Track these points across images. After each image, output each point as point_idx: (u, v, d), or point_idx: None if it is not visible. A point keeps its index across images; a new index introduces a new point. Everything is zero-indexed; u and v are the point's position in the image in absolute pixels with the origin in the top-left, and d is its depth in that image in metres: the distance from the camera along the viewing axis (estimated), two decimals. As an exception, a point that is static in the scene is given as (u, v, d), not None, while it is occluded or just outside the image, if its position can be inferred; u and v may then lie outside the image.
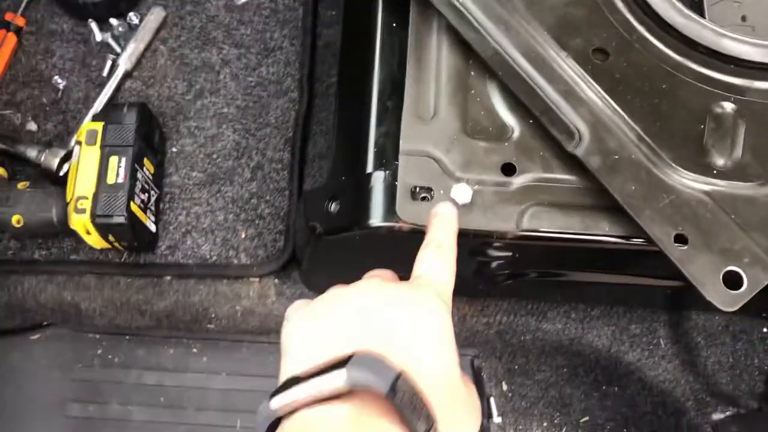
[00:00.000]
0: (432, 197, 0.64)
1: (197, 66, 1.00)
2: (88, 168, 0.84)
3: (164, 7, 1.02)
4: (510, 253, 0.70)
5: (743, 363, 0.90)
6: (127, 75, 0.98)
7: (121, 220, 0.81)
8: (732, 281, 0.59)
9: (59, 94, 0.98)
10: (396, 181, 0.65)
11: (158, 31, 1.01)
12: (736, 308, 0.59)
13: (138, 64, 0.99)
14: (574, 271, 0.79)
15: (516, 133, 0.67)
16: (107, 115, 0.87)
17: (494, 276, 0.80)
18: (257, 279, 0.92)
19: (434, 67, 0.69)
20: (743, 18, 0.75)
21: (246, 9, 1.03)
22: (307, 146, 0.98)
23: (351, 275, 0.84)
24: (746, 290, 0.59)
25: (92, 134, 0.85)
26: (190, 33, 1.02)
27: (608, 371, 0.94)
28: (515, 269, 0.77)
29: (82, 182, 0.83)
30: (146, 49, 1.00)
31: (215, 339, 0.96)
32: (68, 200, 0.83)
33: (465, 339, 0.94)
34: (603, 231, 0.64)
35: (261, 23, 1.03)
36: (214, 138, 0.97)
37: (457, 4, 0.67)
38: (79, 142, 0.86)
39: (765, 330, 0.94)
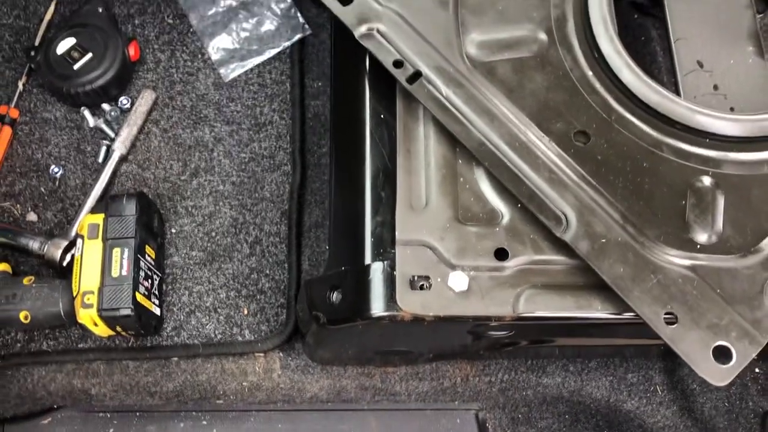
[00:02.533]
0: (430, 285, 0.67)
1: (191, 145, 1.02)
2: (92, 261, 0.86)
3: (154, 88, 1.05)
4: (508, 332, 0.73)
5: (738, 406, 0.93)
6: (123, 159, 1.00)
7: (127, 312, 0.83)
8: (722, 356, 0.62)
9: (57, 182, 1.00)
10: (394, 271, 0.67)
11: (150, 112, 1.03)
12: (727, 382, 0.62)
13: (132, 147, 1.01)
14: (570, 339, 0.82)
15: (506, 218, 0.70)
16: (107, 207, 0.89)
17: (494, 345, 0.82)
18: (262, 354, 0.94)
19: (423, 157, 0.72)
20: (715, 87, 0.78)
21: (234, 86, 1.06)
22: (303, 217, 1.00)
23: (354, 352, 0.88)
24: (736, 364, 0.62)
25: (94, 228, 0.87)
26: (181, 113, 1.04)
27: (608, 418, 0.98)
28: (514, 340, 0.80)
29: (87, 276, 0.85)
30: (139, 131, 1.02)
31: (224, 410, 0.99)
32: (74, 294, 0.85)
33: (469, 396, 0.97)
34: (596, 310, 0.67)
35: (250, 99, 1.05)
36: (211, 216, 0.99)
37: (442, 99, 0.70)
38: (81, 236, 0.88)
39: (757, 371, 0.97)
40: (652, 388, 0.95)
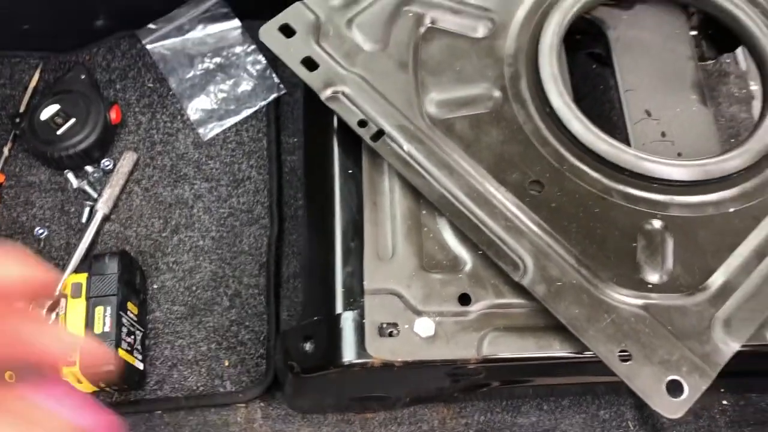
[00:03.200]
0: (398, 332, 0.70)
1: (171, 203, 1.06)
2: (75, 320, 0.89)
3: (135, 149, 1.09)
4: (477, 374, 0.76)
5: (707, 440, 0.96)
6: (105, 219, 1.04)
7: (110, 368, 0.86)
8: (674, 390, 0.66)
9: (41, 243, 1.03)
10: (364, 319, 0.71)
11: (131, 173, 1.08)
12: (680, 414, 0.65)
13: (115, 206, 1.05)
14: (539, 379, 0.85)
15: (469, 265, 0.73)
16: (90, 266, 0.92)
17: (468, 388, 0.85)
18: (244, 404, 0.96)
19: (389, 209, 0.76)
20: (663, 134, 0.83)
21: (213, 144, 1.10)
22: (281, 269, 1.04)
23: (332, 399, 0.90)
24: (688, 397, 0.65)
25: (77, 287, 0.90)
26: (162, 172, 1.08)
27: (585, 455, 1.00)
28: (486, 382, 0.83)
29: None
30: (121, 192, 1.06)
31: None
32: (58, 352, 0.87)
33: (446, 439, 0.99)
34: (555, 350, 0.70)
35: (228, 156, 1.10)
36: (192, 271, 1.02)
37: (404, 155, 0.75)
38: (65, 295, 0.91)
39: (725, 403, 1.00)
40: (624, 423, 0.98)
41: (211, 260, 1.03)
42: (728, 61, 1.25)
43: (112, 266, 0.92)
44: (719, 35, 0.96)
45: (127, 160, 1.07)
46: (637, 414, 0.98)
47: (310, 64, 0.78)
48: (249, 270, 1.03)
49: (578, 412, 0.99)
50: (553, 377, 0.84)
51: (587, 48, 1.01)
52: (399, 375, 0.75)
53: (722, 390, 0.99)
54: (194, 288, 1.02)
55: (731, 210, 0.75)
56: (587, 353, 0.69)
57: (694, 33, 0.99)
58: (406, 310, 0.71)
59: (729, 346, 0.68)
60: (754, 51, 0.86)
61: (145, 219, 1.05)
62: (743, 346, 0.69)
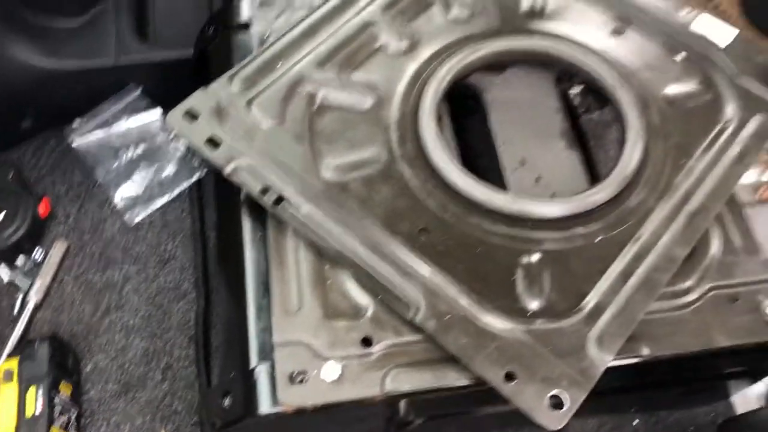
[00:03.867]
0: (307, 379, 0.76)
1: (101, 287, 1.11)
2: (7, 405, 0.92)
3: (66, 239, 1.15)
4: (388, 413, 0.82)
5: (621, 459, 1.02)
6: (38, 307, 1.09)
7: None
8: (556, 404, 0.72)
9: (-25, 336, 1.07)
10: (275, 371, 0.76)
11: (62, 262, 1.13)
12: (563, 425, 0.71)
13: (47, 295, 1.10)
14: (452, 410, 0.91)
15: (370, 310, 0.80)
16: (21, 351, 0.96)
17: (389, 428, 0.90)
18: (181, 472, 1.00)
19: (294, 266, 0.83)
20: (537, 179, 0.93)
21: (140, 228, 1.17)
22: (210, 339, 1.09)
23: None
24: (568, 408, 0.72)
25: (8, 373, 0.94)
26: (91, 259, 1.14)
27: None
28: (405, 420, 0.88)
29: (3, 419, 0.91)
30: (53, 280, 1.11)
31: None
32: (-9, 438, 0.91)
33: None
34: (451, 379, 0.77)
35: (155, 238, 1.16)
36: (124, 349, 1.07)
37: (301, 217, 0.82)
38: (-4, 382, 0.94)
39: (636, 422, 1.06)
40: (546, 453, 1.03)
41: (142, 337, 1.08)
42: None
43: (43, 350, 0.96)
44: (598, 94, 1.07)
45: (58, 250, 1.13)
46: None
47: (213, 143, 0.86)
48: (179, 343, 1.08)
49: (502, 447, 1.04)
50: (459, 407, 0.90)
51: (477, 112, 1.12)
52: (314, 421, 0.80)
53: (633, 410, 1.06)
54: (127, 365, 1.06)
55: (599, 239, 0.84)
56: (480, 382, 0.76)
57: (578, 89, 1.12)
58: (313, 358, 0.77)
59: (603, 360, 0.75)
60: (615, 109, 0.96)
61: (77, 305, 1.10)
62: (620, 358, 0.77)
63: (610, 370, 0.77)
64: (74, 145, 1.22)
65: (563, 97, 1.05)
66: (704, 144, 0.91)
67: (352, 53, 0.96)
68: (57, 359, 0.96)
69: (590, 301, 0.79)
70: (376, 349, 0.78)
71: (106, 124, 1.24)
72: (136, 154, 1.23)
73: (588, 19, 1.01)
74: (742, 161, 0.90)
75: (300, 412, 0.75)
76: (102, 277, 1.11)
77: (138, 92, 1.25)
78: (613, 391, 0.95)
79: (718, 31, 0.99)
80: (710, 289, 0.83)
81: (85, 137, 1.23)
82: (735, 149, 0.91)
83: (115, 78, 1.23)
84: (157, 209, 1.18)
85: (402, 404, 0.83)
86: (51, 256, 1.11)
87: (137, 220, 1.17)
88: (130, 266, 1.12)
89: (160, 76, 1.25)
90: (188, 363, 1.05)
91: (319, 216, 0.83)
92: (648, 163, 0.89)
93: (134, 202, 1.19)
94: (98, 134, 1.23)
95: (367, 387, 0.76)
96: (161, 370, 1.05)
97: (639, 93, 0.94)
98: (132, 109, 1.25)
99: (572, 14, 1.02)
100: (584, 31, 1.00)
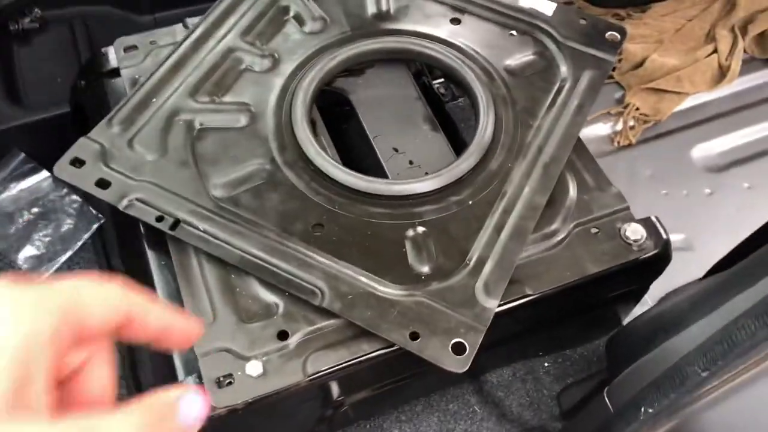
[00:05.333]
0: (234, 380, 0.82)
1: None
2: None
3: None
4: (320, 397, 0.88)
5: (537, 397, 1.13)
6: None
7: None
8: (459, 350, 0.81)
9: None
10: (202, 379, 0.82)
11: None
12: (467, 367, 0.80)
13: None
14: (383, 386, 0.98)
15: (281, 307, 0.87)
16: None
17: (323, 417, 0.97)
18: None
19: (201, 282, 0.88)
20: (410, 162, 1.03)
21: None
22: (140, 377, 1.12)
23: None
24: (470, 351, 0.81)
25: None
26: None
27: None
28: (334, 403, 0.95)
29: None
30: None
31: None
32: None
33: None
34: (366, 351, 0.84)
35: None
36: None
37: (200, 233, 0.88)
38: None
39: (546, 364, 1.17)
40: (471, 409, 1.13)
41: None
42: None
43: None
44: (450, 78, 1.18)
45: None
46: (480, 398, 1.14)
47: (103, 184, 0.91)
48: (109, 385, 1.10)
49: (431, 413, 1.12)
50: (386, 380, 0.98)
51: (351, 116, 1.21)
52: (253, 420, 0.86)
53: (540, 354, 1.17)
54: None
55: (470, 203, 0.94)
56: (392, 347, 0.84)
57: (440, 81, 1.22)
58: (236, 360, 0.83)
59: (491, 303, 0.85)
60: (464, 89, 1.07)
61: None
62: (508, 302, 0.87)
63: (504, 315, 0.87)
64: (-34, 218, 1.23)
65: (428, 89, 1.15)
66: (547, 103, 1.03)
67: (220, 78, 1.03)
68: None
69: (472, 256, 0.89)
70: (293, 340, 0.84)
71: (-5, 192, 1.26)
72: (32, 215, 1.24)
73: (428, 13, 1.12)
74: (581, 111, 1.03)
75: (232, 412, 0.81)
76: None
77: (21, 156, 1.27)
78: (515, 338, 1.05)
79: (542, 4, 1.12)
80: (575, 227, 0.95)
81: (-24, 208, 1.24)
82: (573, 102, 1.03)
83: (-4, 145, 1.25)
84: (63, 264, 1.20)
85: (331, 386, 0.89)
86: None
87: (44, 277, 1.19)
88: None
89: (40, 136, 1.28)
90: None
91: (216, 231, 0.89)
92: (501, 130, 1.00)
93: (39, 262, 1.20)
94: (-11, 203, 1.25)
95: (291, 375, 0.82)
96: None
97: (483, 70, 1.05)
98: (19, 174, 1.27)
99: (414, 11, 1.12)
100: (427, 24, 1.11)
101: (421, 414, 1.11)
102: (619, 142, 1.46)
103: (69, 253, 1.21)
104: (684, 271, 1.11)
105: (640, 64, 1.53)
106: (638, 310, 1.08)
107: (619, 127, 1.49)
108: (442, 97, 1.19)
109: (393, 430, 1.10)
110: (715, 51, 1.54)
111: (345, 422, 1.08)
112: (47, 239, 1.23)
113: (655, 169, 1.43)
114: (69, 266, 1.20)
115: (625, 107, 1.49)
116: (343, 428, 1.09)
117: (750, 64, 1.56)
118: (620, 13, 1.63)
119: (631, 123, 1.48)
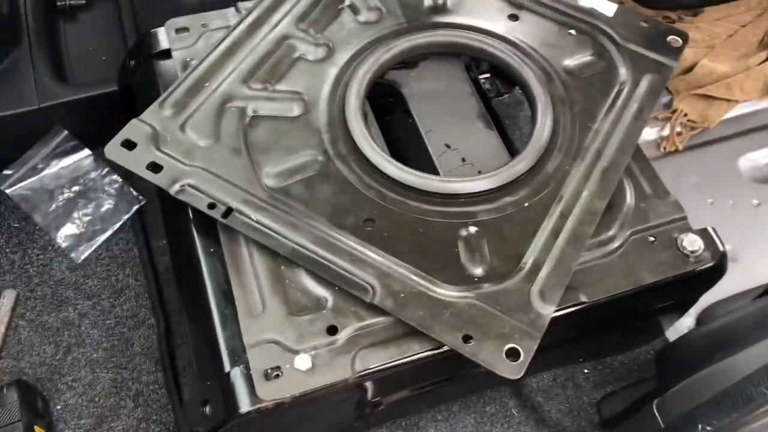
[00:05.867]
0: (282, 373, 0.80)
1: (58, 327, 1.12)
2: (-16, 454, 0.93)
3: (13, 287, 1.15)
4: (361, 395, 0.87)
5: (577, 404, 1.11)
6: (-4, 357, 1.09)
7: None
8: (513, 355, 0.80)
9: (-64, 396, 1.06)
10: (250, 371, 0.81)
11: (14, 309, 1.13)
12: (522, 374, 0.79)
13: (4, 344, 1.10)
14: (424, 385, 0.97)
15: (330, 301, 0.85)
16: (-11, 400, 0.97)
17: (363, 413, 0.96)
18: (167, 492, 1.02)
19: (251, 271, 0.87)
20: (463, 159, 1.01)
21: (88, 264, 1.18)
22: (175, 360, 1.11)
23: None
24: (524, 358, 0.80)
25: (-20, 422, 0.94)
26: (43, 301, 1.14)
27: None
28: (376, 402, 0.94)
29: (-17, 468, 0.92)
30: (7, 328, 1.11)
31: None
32: (-27, 490, 0.91)
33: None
34: (416, 350, 0.83)
35: (104, 271, 1.18)
36: (91, 384, 1.08)
37: (253, 223, 0.87)
38: (-31, 434, 0.95)
39: (586, 371, 1.15)
40: (509, 412, 1.11)
41: (107, 369, 1.09)
42: (521, 92, 1.48)
43: (11, 396, 0.97)
44: (504, 75, 1.16)
45: (8, 299, 1.13)
46: (517, 401, 1.12)
47: (155, 167, 0.90)
48: (146, 368, 1.10)
49: (468, 414, 1.11)
50: (433, 381, 0.96)
51: (398, 108, 1.19)
52: (293, 415, 0.85)
53: (581, 360, 1.15)
54: (97, 399, 1.07)
55: (526, 205, 0.92)
56: (442, 348, 0.82)
57: (486, 76, 1.20)
58: (284, 353, 0.82)
59: (548, 310, 0.83)
60: (522, 87, 1.04)
61: (36, 347, 1.11)
62: (562, 308, 0.85)
63: (555, 322, 0.85)
64: (8, 192, 1.22)
65: (474, 83, 1.13)
66: (606, 106, 1.00)
67: (274, 66, 1.01)
68: (27, 404, 0.97)
69: (528, 260, 0.87)
70: (342, 335, 0.83)
71: (37, 169, 1.25)
72: (73, 193, 1.24)
73: (485, 8, 1.09)
74: (641, 116, 1.00)
75: (279, 406, 0.80)
76: (57, 317, 1.12)
77: (64, 134, 1.26)
78: (560, 344, 1.03)
79: (603, 5, 1.10)
80: (631, 234, 0.93)
81: (18, 184, 1.23)
82: (633, 106, 1.01)
83: (40, 122, 1.24)
84: (102, 244, 1.19)
85: (377, 383, 0.88)
86: (1, 305, 1.11)
87: (84, 257, 1.18)
88: (84, 302, 1.13)
89: (84, 114, 1.27)
90: (158, 387, 1.08)
91: (267, 221, 0.88)
92: (559, 131, 0.98)
93: (78, 240, 1.20)
94: (31, 180, 1.24)
95: (339, 371, 0.81)
96: (132, 397, 1.07)
97: (541, 69, 1.03)
98: (61, 151, 1.26)
99: (471, 5, 1.10)
100: (484, 19, 1.08)
101: (458, 414, 1.10)
102: (665, 148, 1.43)
103: (108, 233, 1.21)
104: (728, 282, 1.08)
105: (690, 69, 1.50)
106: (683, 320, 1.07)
107: (666, 132, 1.45)
108: (488, 92, 1.17)
109: (429, 429, 1.09)
110: (767, 59, 1.50)
111: (382, 419, 1.07)
112: (87, 218, 1.22)
113: (701, 177, 1.40)
114: (107, 246, 1.20)
115: (673, 112, 1.46)
116: (379, 425, 1.08)
117: (803, 74, 1.52)
118: (671, 15, 1.59)
119: (679, 129, 1.45)
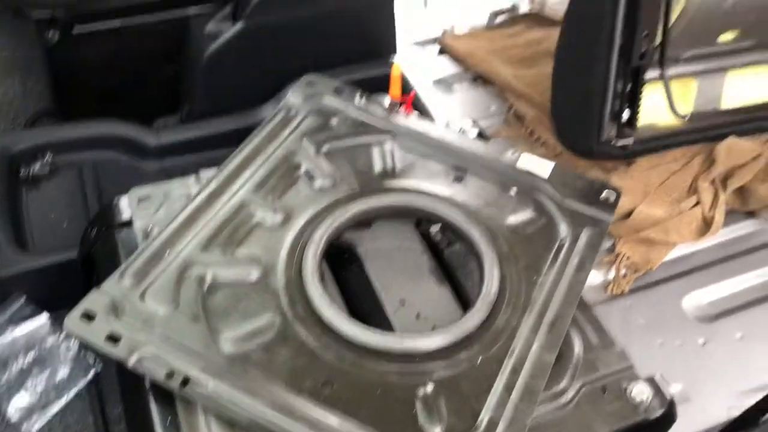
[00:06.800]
0: None
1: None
2: None
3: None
4: None
5: None
6: None
7: None
8: None
9: None
10: None
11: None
12: None
13: None
14: None
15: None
16: None
17: None
18: None
19: (209, 442, 0.87)
20: (417, 315, 1.04)
21: None
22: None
23: None
24: None
25: None
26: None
27: None
28: None
29: None
30: None
31: None
32: None
33: None
34: None
35: None
36: None
37: (210, 393, 0.87)
38: None
39: None
40: None
41: None
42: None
43: None
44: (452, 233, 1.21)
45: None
46: None
47: (113, 339, 0.91)
48: None
49: None
50: None
51: (354, 262, 1.24)
52: None
53: None
54: None
55: (479, 360, 0.94)
56: None
57: (437, 227, 1.26)
58: None
59: (505, 469, 0.84)
60: (469, 245, 1.10)
61: None
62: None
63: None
64: (-41, 364, 1.20)
65: (425, 236, 1.19)
66: (548, 260, 1.06)
67: (233, 232, 1.06)
68: None
69: (484, 417, 0.88)
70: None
71: (-9, 337, 1.24)
72: (27, 362, 1.22)
73: (431, 172, 1.17)
74: (583, 268, 1.06)
75: None
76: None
77: (22, 301, 1.27)
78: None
79: (539, 166, 1.19)
80: (582, 386, 0.96)
81: (-29, 355, 1.21)
82: (575, 260, 1.07)
83: (-2, 290, 1.25)
84: (56, 414, 1.17)
85: None
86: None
87: (35, 429, 1.15)
88: None
89: (43, 281, 1.28)
90: None
91: (225, 390, 0.88)
92: (506, 286, 1.02)
93: (30, 412, 1.17)
94: (-16, 349, 1.22)
95: None
96: None
97: (486, 227, 1.09)
98: (17, 318, 1.26)
99: (418, 170, 1.18)
100: (431, 182, 1.16)
101: None
102: (612, 291, 1.50)
103: (62, 402, 1.18)
104: (683, 423, 1.10)
105: (628, 214, 1.60)
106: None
107: (612, 275, 1.52)
108: (439, 243, 1.22)
109: None
110: (698, 203, 1.61)
111: None
112: (40, 387, 1.20)
113: (648, 318, 1.45)
114: (62, 417, 1.17)
115: (617, 256, 1.54)
116: None
117: (733, 216, 1.63)
118: (607, 165, 1.71)
119: (623, 271, 1.52)
